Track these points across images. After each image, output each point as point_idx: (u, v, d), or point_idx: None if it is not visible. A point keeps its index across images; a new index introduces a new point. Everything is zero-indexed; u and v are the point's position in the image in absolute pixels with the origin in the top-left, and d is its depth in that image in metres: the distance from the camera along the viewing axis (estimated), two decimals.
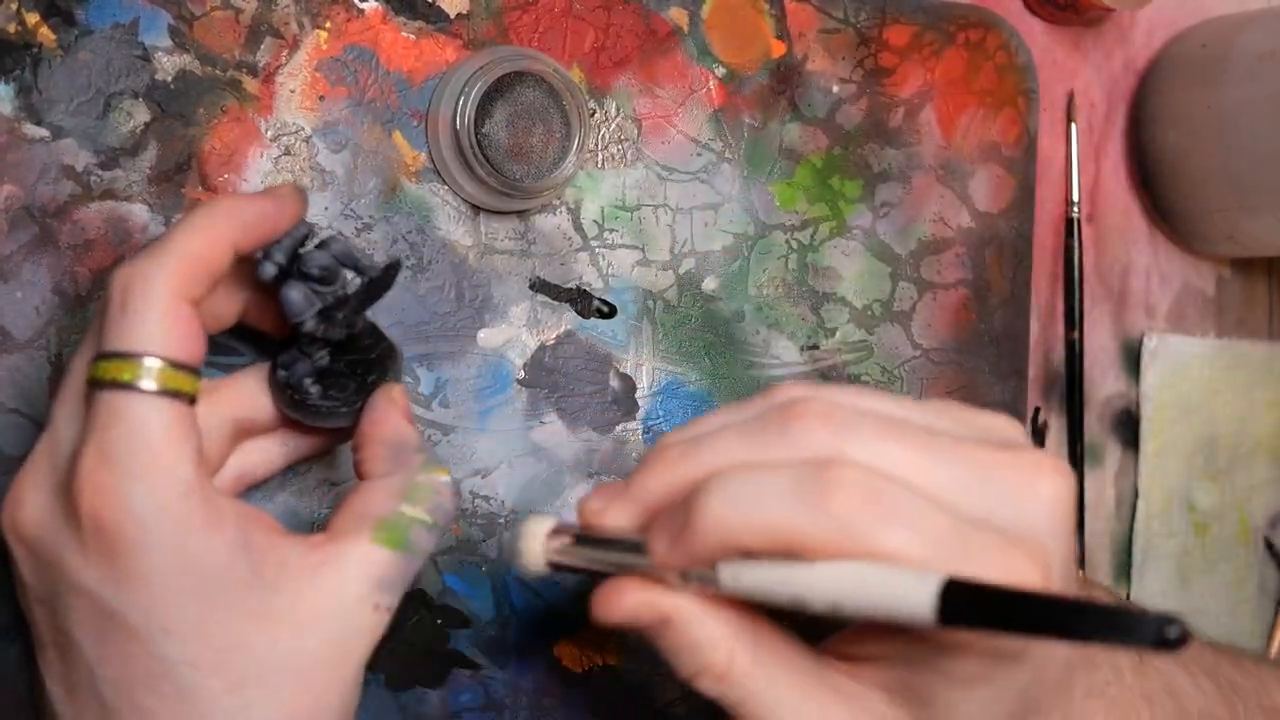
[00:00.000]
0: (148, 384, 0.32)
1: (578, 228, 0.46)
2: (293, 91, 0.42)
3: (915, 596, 0.29)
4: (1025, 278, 0.53)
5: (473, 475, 0.44)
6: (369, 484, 0.36)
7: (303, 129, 0.42)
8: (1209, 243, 0.57)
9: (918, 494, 0.31)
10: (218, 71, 0.41)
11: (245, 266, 0.36)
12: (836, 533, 0.30)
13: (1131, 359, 0.56)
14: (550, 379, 0.45)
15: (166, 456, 0.32)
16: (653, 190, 0.47)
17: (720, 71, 0.48)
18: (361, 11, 0.43)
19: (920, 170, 0.51)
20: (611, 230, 0.46)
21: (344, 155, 0.43)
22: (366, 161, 0.43)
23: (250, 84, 0.41)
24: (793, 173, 0.49)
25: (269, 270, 0.35)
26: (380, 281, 0.36)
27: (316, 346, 0.37)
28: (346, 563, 0.34)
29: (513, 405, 0.45)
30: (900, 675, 0.33)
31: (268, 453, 0.39)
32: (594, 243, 0.46)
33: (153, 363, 0.32)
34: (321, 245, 0.36)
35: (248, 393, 0.38)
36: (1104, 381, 0.56)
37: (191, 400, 0.33)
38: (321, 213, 0.42)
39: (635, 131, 0.46)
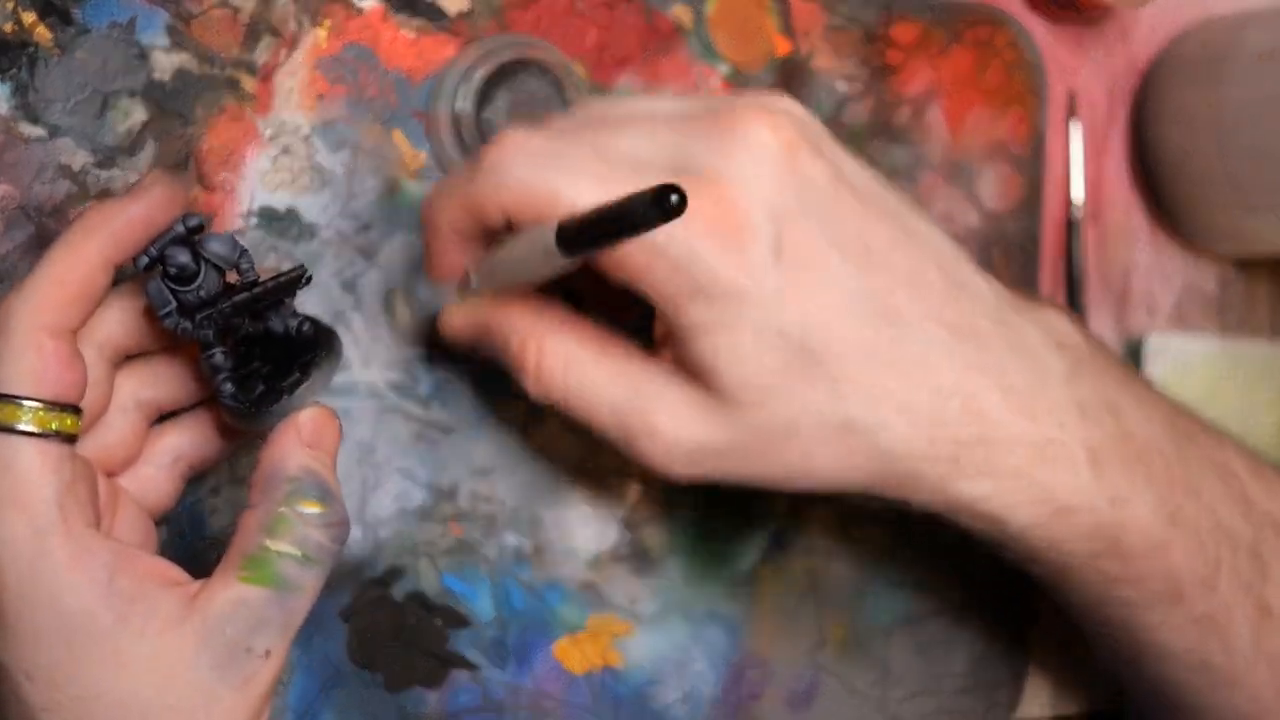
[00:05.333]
0: (27, 426, 0.32)
1: None
2: (291, 90, 0.42)
3: (549, 237, 0.33)
4: (1032, 277, 0.53)
5: (473, 476, 0.44)
6: (243, 517, 0.34)
7: (301, 128, 0.42)
8: (1211, 242, 0.57)
9: (601, 153, 0.35)
10: (216, 70, 0.41)
11: None
12: (522, 195, 0.35)
13: (1133, 359, 0.56)
14: None
15: (30, 494, 0.32)
16: None
17: (724, 70, 0.47)
18: (361, 10, 0.42)
19: (927, 169, 0.51)
20: None
21: (343, 154, 0.42)
22: (366, 161, 0.42)
23: (249, 83, 0.41)
24: None
25: (141, 260, 0.34)
26: (266, 293, 0.35)
27: (213, 345, 0.35)
28: (213, 606, 0.32)
29: (513, 405, 0.44)
30: (676, 352, 0.36)
31: (204, 434, 0.38)
32: None
33: (32, 404, 0.32)
34: (194, 243, 0.34)
35: (112, 319, 0.36)
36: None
37: (70, 438, 0.33)
38: (320, 212, 0.42)
39: None
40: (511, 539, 0.44)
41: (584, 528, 0.45)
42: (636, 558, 0.46)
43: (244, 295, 0.35)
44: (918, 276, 0.37)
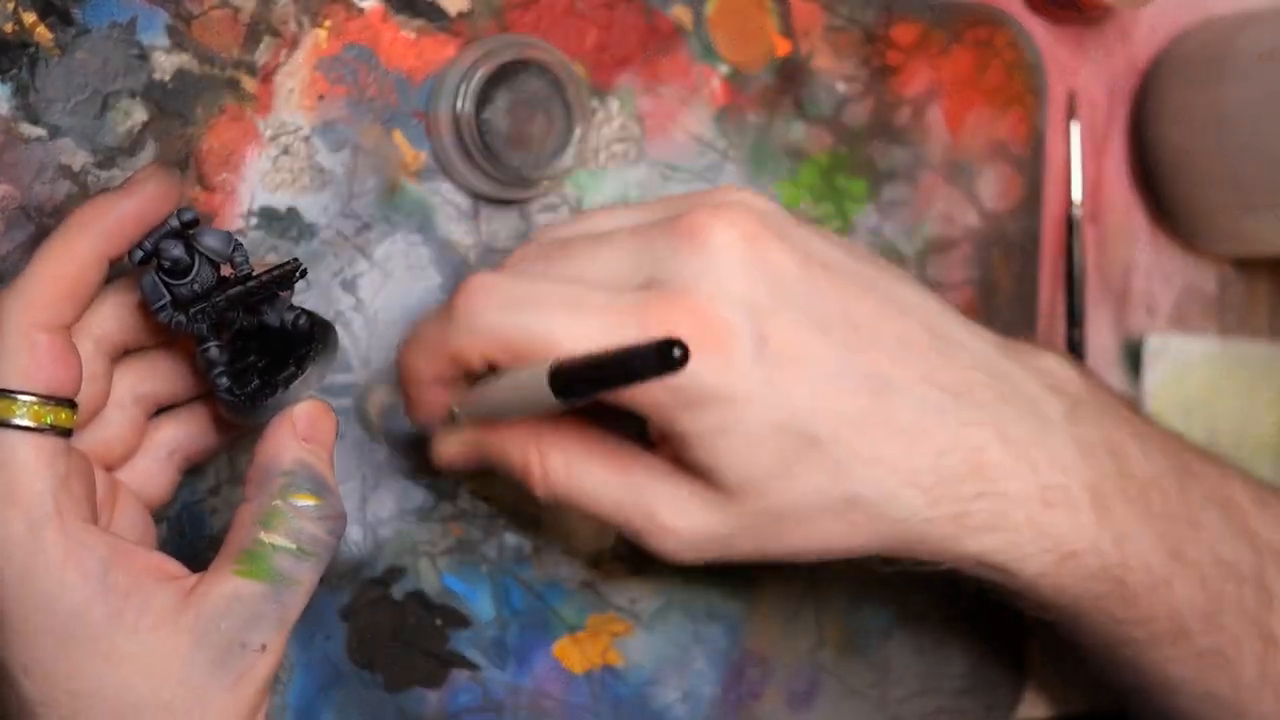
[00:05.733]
0: (22, 420, 0.32)
1: None
2: (292, 90, 0.42)
3: (540, 381, 0.33)
4: (1032, 278, 0.53)
5: (473, 475, 0.44)
6: (239, 511, 0.34)
7: (302, 128, 0.42)
8: (1211, 242, 0.57)
9: (570, 284, 0.35)
10: (216, 70, 0.41)
11: None
12: (500, 342, 0.35)
13: (1133, 359, 0.56)
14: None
15: (25, 489, 0.32)
16: (656, 189, 0.46)
17: (724, 70, 0.47)
18: (361, 10, 0.42)
19: (927, 169, 0.51)
20: None
21: (343, 154, 0.42)
22: (366, 161, 0.43)
23: (249, 83, 0.41)
24: (797, 172, 0.49)
25: (135, 254, 0.34)
26: (260, 287, 0.35)
27: (208, 339, 0.36)
28: (208, 601, 0.32)
29: None
30: (674, 453, 0.37)
31: (200, 426, 0.38)
32: None
33: (27, 399, 0.32)
34: (189, 236, 0.35)
35: (109, 313, 0.36)
36: (1106, 381, 0.56)
37: (65, 432, 0.33)
38: (321, 212, 0.42)
39: (638, 130, 0.46)
40: (511, 539, 0.44)
41: (584, 528, 0.45)
42: (636, 558, 0.46)
43: (238, 289, 0.35)
44: (906, 342, 0.37)
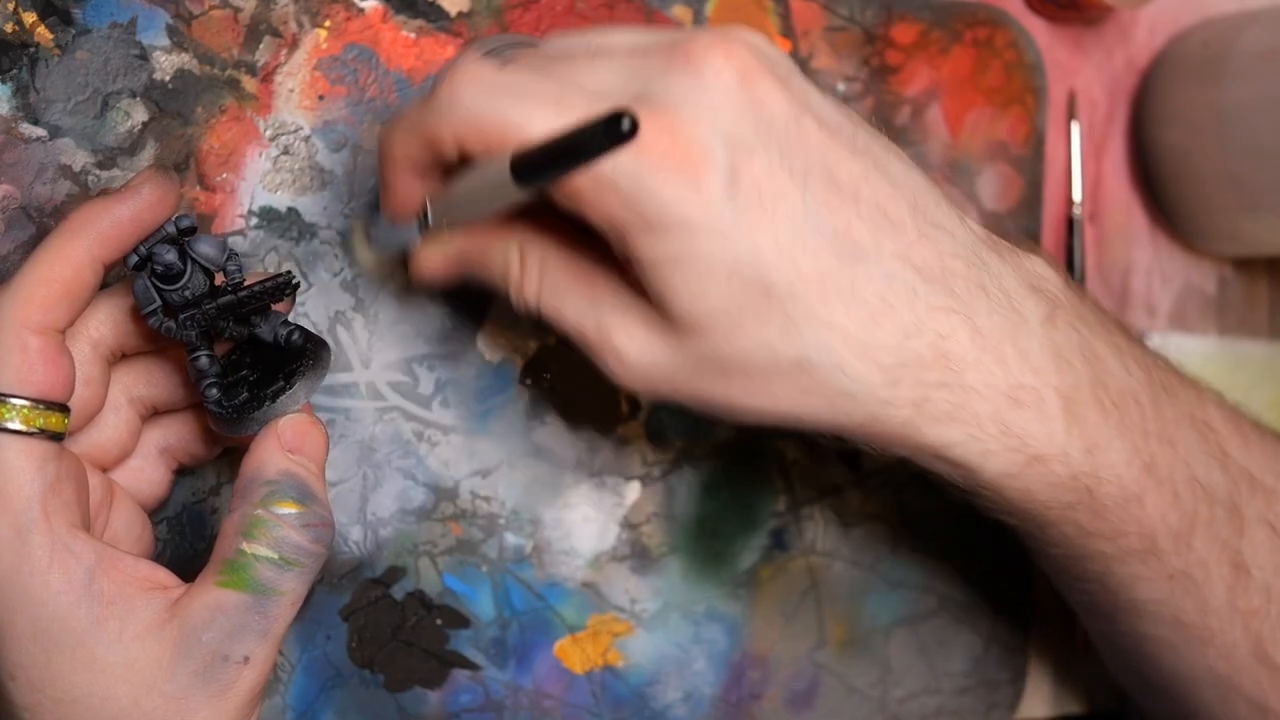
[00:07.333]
0: (12, 424, 0.32)
1: None
2: (292, 90, 0.42)
3: (504, 168, 0.32)
4: None
5: (473, 475, 0.44)
6: (224, 522, 0.34)
7: (302, 128, 0.42)
8: (1210, 242, 0.57)
9: (561, 84, 0.34)
10: (216, 70, 0.41)
11: None
12: (476, 126, 0.34)
13: None
14: (551, 379, 0.45)
15: (13, 492, 0.32)
16: None
17: None
18: (361, 10, 0.42)
19: (927, 169, 0.50)
20: None
21: (343, 155, 0.42)
22: (366, 161, 0.42)
23: (249, 83, 0.41)
24: None
25: (130, 259, 0.34)
26: (251, 297, 0.35)
27: (198, 346, 0.36)
28: (190, 612, 0.32)
29: (513, 406, 0.44)
30: (633, 276, 0.36)
31: (189, 427, 0.38)
32: None
33: (18, 402, 0.32)
34: (184, 243, 0.34)
35: (105, 317, 0.36)
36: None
37: (56, 436, 0.33)
38: (321, 212, 0.42)
39: None
40: (511, 539, 0.44)
41: (584, 528, 0.45)
42: (636, 558, 0.46)
43: (228, 298, 0.35)
44: (887, 213, 0.35)
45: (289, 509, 0.33)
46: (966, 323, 0.36)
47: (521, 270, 0.37)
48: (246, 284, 0.35)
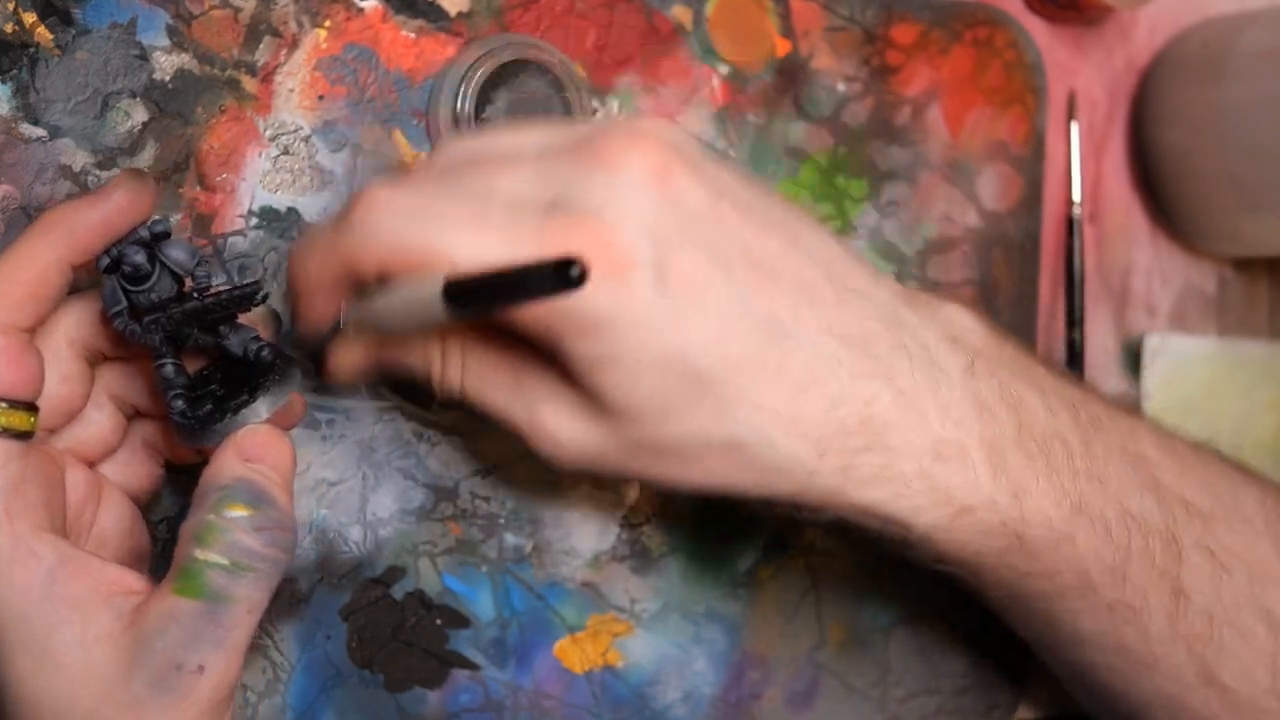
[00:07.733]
0: None
1: None
2: (292, 91, 0.42)
3: (434, 294, 0.32)
4: (1033, 277, 0.52)
5: (473, 476, 0.44)
6: (180, 528, 0.34)
7: (302, 128, 0.42)
8: (1210, 242, 0.57)
9: (473, 199, 0.34)
10: (216, 71, 0.41)
11: None
12: (397, 252, 0.34)
13: (1132, 359, 0.56)
14: None
15: None
16: None
17: (724, 70, 0.47)
18: (361, 10, 0.42)
19: (927, 169, 0.51)
20: None
21: (343, 155, 0.42)
22: (366, 161, 0.43)
23: (249, 83, 0.41)
24: (797, 172, 0.49)
25: (102, 260, 0.34)
26: (217, 304, 0.35)
27: (162, 352, 0.35)
28: (146, 620, 0.32)
29: None
30: (563, 369, 0.36)
31: (169, 431, 0.38)
32: None
33: None
34: (155, 247, 0.35)
35: (83, 318, 0.36)
36: (1105, 381, 0.56)
37: (21, 435, 0.33)
38: (321, 212, 0.42)
39: None
40: (511, 539, 0.44)
41: (584, 528, 0.45)
42: (636, 558, 0.46)
43: (194, 303, 0.35)
44: (806, 286, 0.36)
45: (239, 512, 0.33)
46: (889, 385, 0.37)
47: (443, 364, 0.37)
48: (213, 291, 0.35)
